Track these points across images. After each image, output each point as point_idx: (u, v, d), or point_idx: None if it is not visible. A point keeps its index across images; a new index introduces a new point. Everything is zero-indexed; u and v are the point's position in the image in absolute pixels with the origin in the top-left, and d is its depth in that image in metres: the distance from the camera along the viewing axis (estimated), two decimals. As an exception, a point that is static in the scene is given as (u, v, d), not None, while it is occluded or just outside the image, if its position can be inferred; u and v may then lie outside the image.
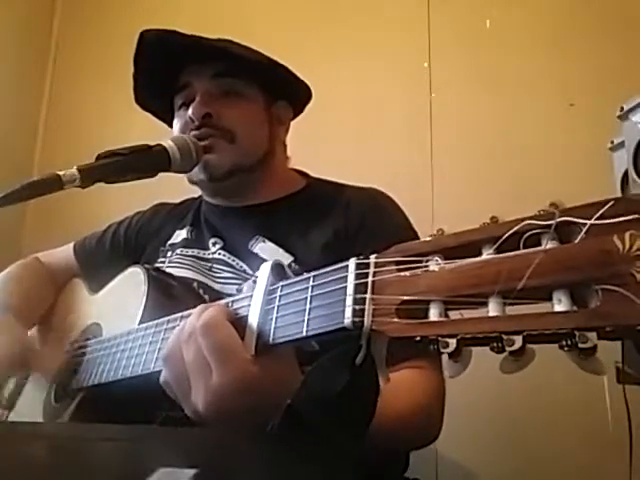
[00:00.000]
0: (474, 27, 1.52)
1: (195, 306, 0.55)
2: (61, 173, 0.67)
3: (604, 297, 0.30)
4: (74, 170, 0.68)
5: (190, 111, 0.83)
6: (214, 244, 0.89)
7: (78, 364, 0.76)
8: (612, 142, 0.77)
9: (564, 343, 0.32)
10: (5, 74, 1.95)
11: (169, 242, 0.96)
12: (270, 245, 0.84)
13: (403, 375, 0.67)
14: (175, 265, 0.89)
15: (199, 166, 0.84)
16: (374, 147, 1.55)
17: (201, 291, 0.82)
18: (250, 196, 0.90)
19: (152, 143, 0.78)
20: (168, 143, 0.79)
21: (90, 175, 0.69)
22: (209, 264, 0.87)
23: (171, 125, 0.95)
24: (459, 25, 1.55)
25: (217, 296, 0.80)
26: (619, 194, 0.94)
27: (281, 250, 0.82)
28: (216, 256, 0.87)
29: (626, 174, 0.72)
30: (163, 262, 0.92)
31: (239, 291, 0.81)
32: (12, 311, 0.89)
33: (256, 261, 0.82)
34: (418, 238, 0.85)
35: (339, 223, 0.83)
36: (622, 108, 0.72)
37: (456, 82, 1.51)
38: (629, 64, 1.31)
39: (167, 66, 0.88)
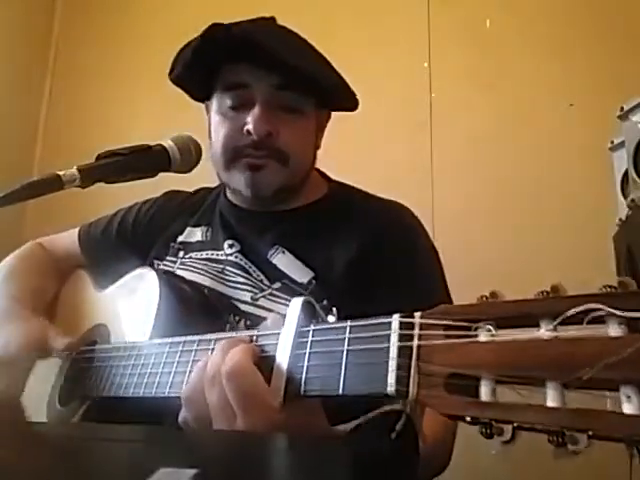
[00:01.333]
0: (474, 27, 1.52)
1: (209, 319, 0.53)
2: (61, 173, 0.66)
3: None
4: (74, 170, 0.68)
5: (251, 125, 0.78)
6: (230, 246, 0.86)
7: (85, 369, 0.73)
8: (612, 142, 0.77)
9: (637, 449, 0.29)
10: (5, 74, 1.95)
11: (180, 239, 0.92)
12: (290, 257, 0.81)
13: None
14: (186, 268, 0.86)
15: (244, 182, 0.80)
16: (374, 147, 1.55)
17: (212, 297, 0.79)
18: (281, 205, 0.87)
19: (152, 143, 0.78)
20: (168, 143, 0.79)
21: (90, 175, 0.69)
22: (221, 266, 0.83)
23: (194, 97, 0.90)
24: (459, 25, 1.55)
25: (226, 302, 0.78)
26: (619, 194, 0.94)
27: (301, 264, 0.79)
28: (231, 259, 0.84)
29: (626, 174, 0.72)
30: (174, 262, 0.89)
31: (254, 300, 0.78)
32: (16, 303, 0.86)
33: (274, 272, 0.79)
34: (439, 260, 0.82)
35: (362, 239, 0.80)
36: (622, 108, 0.72)
37: (456, 82, 1.51)
38: (629, 64, 1.30)
39: (225, 58, 0.83)
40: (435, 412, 0.65)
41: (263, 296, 0.78)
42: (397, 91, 1.57)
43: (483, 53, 1.50)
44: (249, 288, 0.79)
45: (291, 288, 0.77)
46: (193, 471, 0.32)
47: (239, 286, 0.80)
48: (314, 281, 0.78)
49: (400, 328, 0.38)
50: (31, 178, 0.65)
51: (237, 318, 0.77)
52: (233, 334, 0.53)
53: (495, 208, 1.35)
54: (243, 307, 0.78)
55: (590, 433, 0.30)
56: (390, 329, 0.39)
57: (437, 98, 1.52)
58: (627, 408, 0.29)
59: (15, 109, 2.01)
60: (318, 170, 0.94)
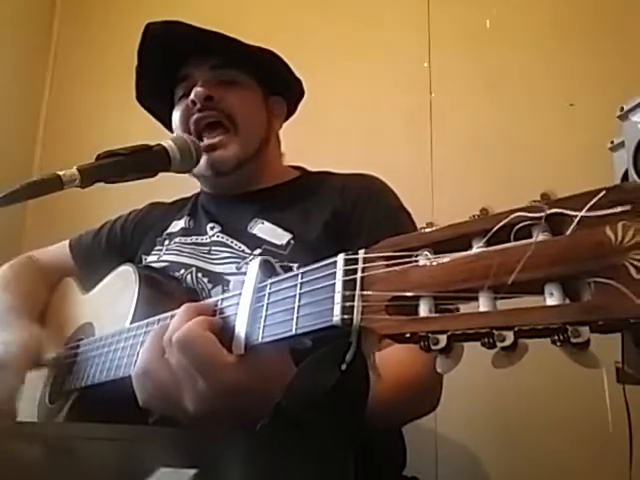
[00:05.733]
0: (474, 27, 1.52)
1: (185, 300, 0.55)
2: (61, 173, 0.67)
3: (596, 290, 0.30)
4: (74, 170, 0.68)
5: (192, 94, 0.84)
6: (212, 228, 0.90)
7: (71, 365, 0.76)
8: (612, 142, 0.76)
9: (556, 338, 0.31)
10: (5, 74, 1.95)
11: (166, 232, 0.96)
12: (268, 225, 0.85)
13: (396, 348, 0.66)
14: (173, 252, 0.89)
15: (205, 163, 0.86)
16: (374, 147, 1.55)
17: (200, 274, 0.83)
18: (248, 185, 0.92)
19: (152, 143, 0.78)
20: (168, 143, 0.79)
21: (90, 175, 0.69)
22: (207, 248, 0.87)
23: (167, 127, 0.96)
24: (459, 25, 1.55)
25: (216, 278, 0.82)
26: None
27: (279, 230, 0.83)
28: (214, 239, 0.88)
29: (626, 174, 0.72)
30: (160, 250, 0.92)
31: (239, 269, 0.82)
32: (13, 311, 0.89)
33: (254, 241, 0.84)
34: (411, 218, 0.86)
35: (335, 204, 0.85)
36: (622, 108, 0.72)
37: (456, 82, 1.51)
38: (629, 64, 1.30)
39: (170, 60, 0.89)
40: (413, 352, 0.65)
41: (246, 263, 0.82)
42: (397, 91, 1.57)
43: (483, 53, 1.50)
44: (233, 260, 0.83)
45: (271, 251, 0.81)
46: (193, 471, 0.32)
47: (224, 261, 0.84)
48: (292, 241, 0.81)
49: (345, 264, 0.41)
50: (31, 178, 0.65)
51: (227, 289, 0.81)
52: (200, 304, 0.56)
53: (495, 208, 1.35)
54: (232, 278, 0.81)
55: (516, 329, 0.32)
56: (336, 267, 0.42)
57: (437, 98, 1.52)
58: (550, 302, 0.32)
59: (15, 109, 2.01)
60: (293, 165, 1.00)
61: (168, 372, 0.50)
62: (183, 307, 0.53)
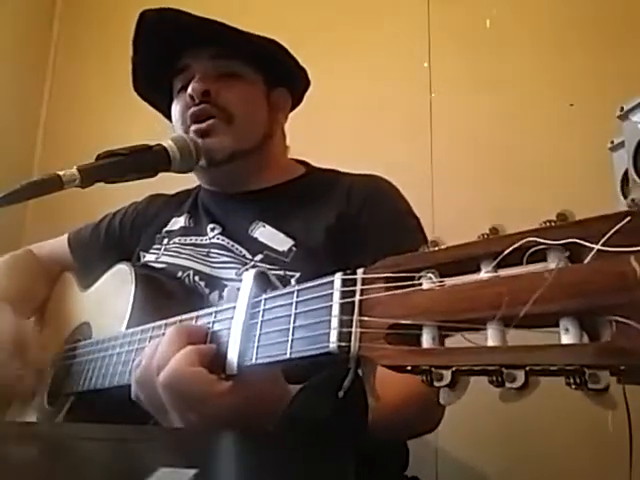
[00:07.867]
0: (474, 27, 1.52)
1: (185, 302, 0.55)
2: (61, 173, 0.67)
3: (617, 329, 0.26)
4: (74, 170, 0.68)
5: (189, 89, 0.82)
6: (212, 229, 0.88)
7: (69, 367, 0.75)
8: (612, 142, 0.76)
9: (572, 380, 0.28)
10: (5, 74, 1.94)
11: (165, 229, 0.94)
12: (270, 230, 0.82)
13: None
14: (171, 254, 0.88)
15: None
16: (374, 147, 1.55)
17: (197, 278, 0.81)
18: (249, 182, 0.89)
19: (152, 143, 0.78)
20: (168, 143, 0.79)
21: (90, 175, 0.69)
22: (206, 250, 0.85)
23: (167, 116, 0.94)
24: (459, 25, 1.55)
25: (214, 282, 0.80)
26: (619, 194, 0.94)
27: (281, 234, 0.81)
28: (214, 241, 0.86)
29: (626, 174, 0.72)
30: (159, 249, 0.90)
31: (239, 275, 0.79)
32: (7, 304, 0.88)
33: (255, 245, 0.81)
34: (419, 223, 0.84)
35: (341, 207, 0.82)
36: (622, 108, 0.72)
37: (456, 82, 1.51)
38: (629, 64, 1.30)
39: (166, 49, 0.87)
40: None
41: (246, 269, 0.79)
42: (397, 91, 1.57)
43: (483, 53, 1.50)
44: (233, 265, 0.81)
45: (272, 257, 0.79)
46: (193, 471, 0.32)
47: (224, 265, 0.82)
48: (294, 248, 0.79)
49: (343, 285, 0.38)
50: (31, 178, 0.65)
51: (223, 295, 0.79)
52: (194, 314, 0.54)
53: (495, 208, 1.35)
54: (231, 284, 0.79)
55: (527, 369, 0.29)
56: (333, 288, 0.39)
57: (437, 98, 1.52)
58: (565, 340, 0.28)
59: (15, 109, 2.00)
60: (297, 160, 0.97)
61: (151, 400, 0.50)
62: (172, 331, 0.50)
